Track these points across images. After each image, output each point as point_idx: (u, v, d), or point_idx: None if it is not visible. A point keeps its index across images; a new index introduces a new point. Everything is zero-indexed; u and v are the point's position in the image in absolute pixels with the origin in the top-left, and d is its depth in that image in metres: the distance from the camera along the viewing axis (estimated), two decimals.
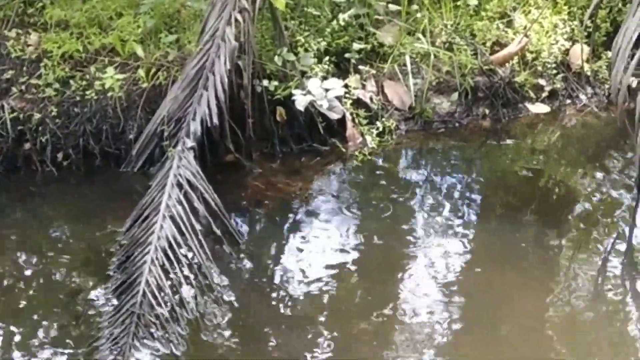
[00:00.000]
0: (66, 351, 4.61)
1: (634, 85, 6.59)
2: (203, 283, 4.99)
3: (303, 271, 5.20)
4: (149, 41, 6.27)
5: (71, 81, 6.12)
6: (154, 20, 6.30)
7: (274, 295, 5.04)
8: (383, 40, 6.75)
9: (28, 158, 6.02)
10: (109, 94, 6.03)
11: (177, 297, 4.87)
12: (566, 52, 7.07)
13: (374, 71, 6.66)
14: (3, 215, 5.72)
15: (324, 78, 6.25)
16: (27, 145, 6.02)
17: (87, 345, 4.60)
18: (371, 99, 6.56)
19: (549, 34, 6.99)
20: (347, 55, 6.59)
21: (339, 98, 6.25)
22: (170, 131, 5.82)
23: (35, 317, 4.86)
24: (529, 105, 6.92)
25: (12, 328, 4.77)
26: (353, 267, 5.26)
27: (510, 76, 6.86)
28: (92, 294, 4.97)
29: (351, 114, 6.41)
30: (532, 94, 6.90)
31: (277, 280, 5.19)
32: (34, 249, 5.40)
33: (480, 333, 4.78)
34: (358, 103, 6.50)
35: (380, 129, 6.45)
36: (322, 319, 4.86)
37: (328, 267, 5.24)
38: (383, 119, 6.50)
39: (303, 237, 5.55)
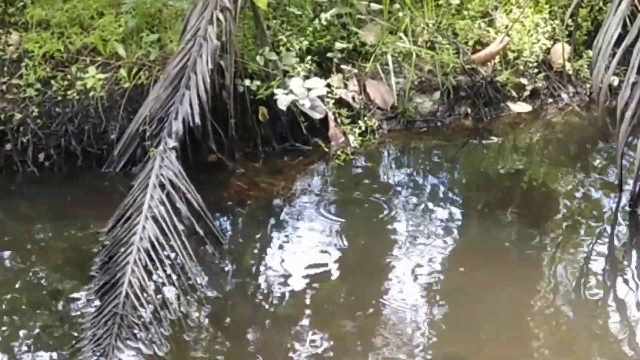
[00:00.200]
0: (48, 353, 4.59)
1: (615, 84, 6.63)
2: (186, 283, 4.98)
3: (286, 271, 5.20)
4: (131, 41, 6.26)
5: (52, 81, 6.10)
6: (135, 19, 6.29)
7: (257, 295, 5.04)
8: (365, 39, 6.75)
9: (9, 158, 6.00)
10: (91, 94, 6.02)
11: (160, 297, 4.86)
12: (547, 51, 7.09)
13: (356, 70, 6.66)
14: None
15: (306, 77, 6.24)
16: (8, 146, 6.00)
17: (70, 347, 4.58)
18: (353, 98, 6.56)
19: (531, 33, 7.01)
20: (329, 54, 6.59)
21: (321, 97, 6.24)
22: (152, 131, 5.81)
23: (16, 318, 4.84)
24: (510, 105, 6.93)
25: None
26: (336, 267, 5.26)
27: (492, 75, 6.87)
28: (75, 295, 4.95)
29: (333, 113, 6.41)
30: (514, 93, 6.91)
31: (260, 280, 5.18)
32: (16, 250, 5.38)
33: (463, 332, 4.78)
34: (340, 102, 6.50)
35: (363, 129, 6.45)
36: (305, 318, 4.86)
37: (311, 266, 5.24)
38: (365, 119, 6.50)
39: (286, 237, 5.55)
